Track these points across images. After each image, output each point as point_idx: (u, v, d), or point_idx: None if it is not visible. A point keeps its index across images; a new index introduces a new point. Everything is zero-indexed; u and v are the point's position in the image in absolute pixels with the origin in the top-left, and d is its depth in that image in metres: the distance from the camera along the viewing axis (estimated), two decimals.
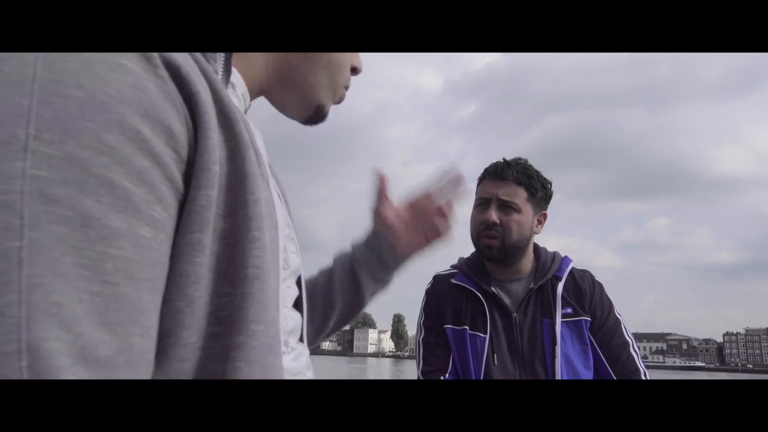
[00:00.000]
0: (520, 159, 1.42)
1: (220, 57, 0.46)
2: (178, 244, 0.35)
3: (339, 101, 0.64)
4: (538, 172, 1.40)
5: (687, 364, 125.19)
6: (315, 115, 0.63)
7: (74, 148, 0.29)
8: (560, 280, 1.38)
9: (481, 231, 1.36)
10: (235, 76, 0.53)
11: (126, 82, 0.32)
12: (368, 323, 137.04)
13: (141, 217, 0.31)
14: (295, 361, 0.53)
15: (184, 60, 0.37)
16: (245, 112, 0.57)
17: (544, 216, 1.44)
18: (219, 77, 0.45)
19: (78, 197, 0.29)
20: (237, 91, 0.53)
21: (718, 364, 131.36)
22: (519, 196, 1.35)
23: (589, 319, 1.35)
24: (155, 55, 0.35)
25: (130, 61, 0.33)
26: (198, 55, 0.42)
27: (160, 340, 0.34)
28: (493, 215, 1.34)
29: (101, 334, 0.28)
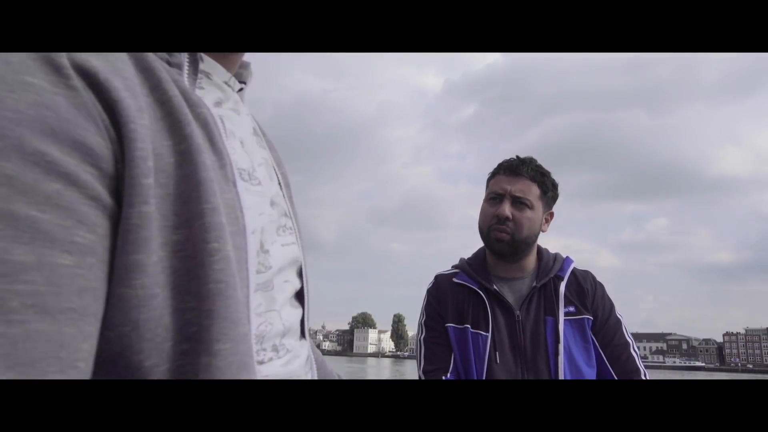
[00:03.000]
0: (532, 158, 1.43)
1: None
2: (116, 267, 0.33)
3: None
4: (548, 172, 1.43)
5: (687, 364, 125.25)
6: None
7: None
8: (562, 279, 1.39)
9: (492, 225, 1.37)
10: (211, 65, 0.50)
11: (27, 101, 0.30)
12: (368, 323, 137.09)
13: (56, 245, 0.29)
14: (287, 366, 0.51)
15: (106, 65, 0.35)
16: (235, 96, 0.54)
17: (551, 215, 1.46)
18: (185, 69, 0.43)
19: None
20: (215, 79, 0.50)
21: (718, 364, 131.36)
22: (532, 192, 1.37)
23: (591, 317, 1.36)
24: (67, 63, 0.32)
25: (35, 76, 0.31)
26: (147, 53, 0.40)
27: (113, 365, 0.33)
28: (506, 210, 1.35)
29: (6, 378, 0.26)
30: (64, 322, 0.29)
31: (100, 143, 0.32)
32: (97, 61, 0.34)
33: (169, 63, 0.42)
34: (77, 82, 0.32)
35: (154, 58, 0.40)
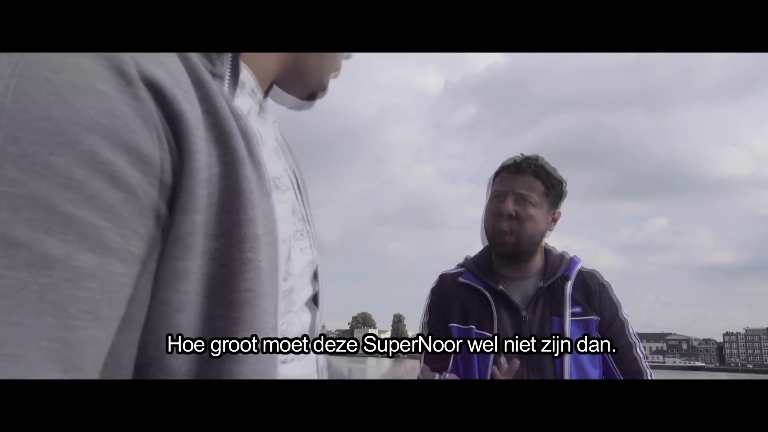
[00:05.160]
0: (537, 156, 1.41)
1: (227, 58, 0.45)
2: (162, 271, 0.34)
3: (336, 76, 0.64)
4: (553, 168, 1.40)
5: (687, 364, 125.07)
6: (315, 93, 0.63)
7: (40, 185, 0.28)
8: (569, 279, 1.37)
9: (495, 224, 1.35)
10: (246, 74, 0.51)
11: (101, 109, 0.31)
12: (368, 323, 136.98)
13: (112, 253, 0.30)
14: (304, 368, 0.53)
15: (169, 77, 0.36)
16: (261, 105, 0.55)
17: (558, 215, 1.43)
18: (226, 80, 0.45)
19: (41, 238, 0.27)
20: (246, 88, 0.52)
21: (718, 364, 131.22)
22: (536, 189, 1.35)
23: (598, 318, 1.35)
24: (136, 74, 0.33)
25: (107, 84, 0.32)
26: (196, 61, 0.41)
27: (147, 369, 0.34)
28: (510, 206, 1.33)
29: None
30: (113, 328, 0.30)
31: (160, 155, 0.34)
32: (161, 73, 0.35)
33: (212, 74, 0.43)
34: (144, 93, 0.33)
35: (202, 69, 0.41)
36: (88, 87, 0.31)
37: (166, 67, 0.36)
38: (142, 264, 0.33)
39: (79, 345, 0.28)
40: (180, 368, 0.34)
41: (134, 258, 0.32)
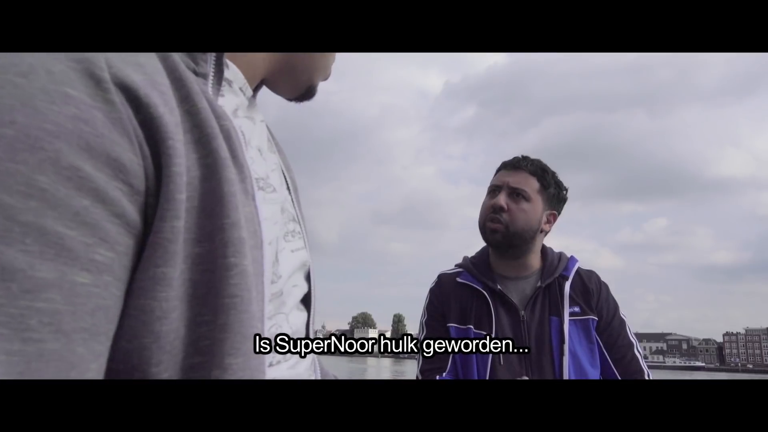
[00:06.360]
0: (538, 159, 1.44)
1: (211, 56, 0.44)
2: (142, 279, 0.33)
3: (326, 79, 0.63)
4: (554, 172, 1.42)
5: (687, 364, 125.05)
6: (305, 94, 0.62)
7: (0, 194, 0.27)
8: (567, 279, 1.38)
9: (487, 215, 1.37)
10: (233, 72, 0.50)
11: (67, 114, 0.30)
12: (368, 323, 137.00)
13: (77, 263, 0.29)
14: (293, 368, 0.52)
15: (145, 79, 0.35)
16: (249, 103, 0.54)
17: (554, 216, 1.43)
18: (210, 79, 0.44)
19: (0, 249, 0.26)
20: (234, 86, 0.50)
21: (718, 364, 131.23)
22: (530, 185, 1.37)
23: (596, 318, 1.35)
24: (107, 78, 0.32)
25: (75, 88, 0.31)
26: (177, 60, 0.40)
27: (130, 376, 0.33)
28: (502, 200, 1.35)
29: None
30: (77, 342, 0.29)
31: (132, 159, 0.32)
32: (136, 75, 0.34)
33: (195, 73, 0.42)
34: (116, 96, 0.32)
35: (183, 68, 0.40)
36: (56, 91, 0.30)
37: (144, 69, 0.35)
38: (111, 273, 0.31)
39: (39, 359, 0.27)
40: (161, 375, 0.34)
41: (101, 267, 0.30)
